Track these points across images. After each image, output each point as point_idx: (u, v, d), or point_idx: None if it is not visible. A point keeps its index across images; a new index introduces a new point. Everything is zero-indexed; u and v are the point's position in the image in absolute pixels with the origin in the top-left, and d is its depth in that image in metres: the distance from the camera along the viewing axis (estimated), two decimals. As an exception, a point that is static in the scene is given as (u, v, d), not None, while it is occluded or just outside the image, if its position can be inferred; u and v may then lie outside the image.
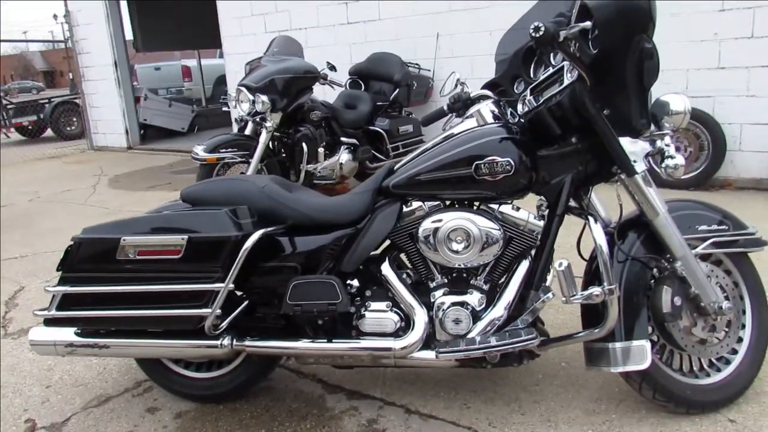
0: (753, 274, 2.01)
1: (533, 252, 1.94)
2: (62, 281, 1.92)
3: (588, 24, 1.59)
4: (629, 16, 1.58)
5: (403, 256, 2.04)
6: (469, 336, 1.88)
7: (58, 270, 1.94)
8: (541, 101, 1.87)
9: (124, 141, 9.35)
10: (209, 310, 1.83)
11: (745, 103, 4.51)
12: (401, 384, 2.23)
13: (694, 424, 1.89)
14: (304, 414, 2.11)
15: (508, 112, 2.03)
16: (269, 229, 1.90)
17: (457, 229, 1.86)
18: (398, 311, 1.96)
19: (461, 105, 2.14)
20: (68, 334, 2.02)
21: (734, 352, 1.98)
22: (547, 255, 1.90)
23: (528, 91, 2.00)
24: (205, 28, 8.14)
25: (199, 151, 4.35)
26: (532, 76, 2.05)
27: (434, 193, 1.93)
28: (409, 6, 5.94)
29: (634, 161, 1.79)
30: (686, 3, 4.57)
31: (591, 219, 1.83)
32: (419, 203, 1.96)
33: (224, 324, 1.92)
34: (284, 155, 4.77)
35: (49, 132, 12.13)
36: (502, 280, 1.95)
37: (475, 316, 1.90)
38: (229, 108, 6.10)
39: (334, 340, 1.95)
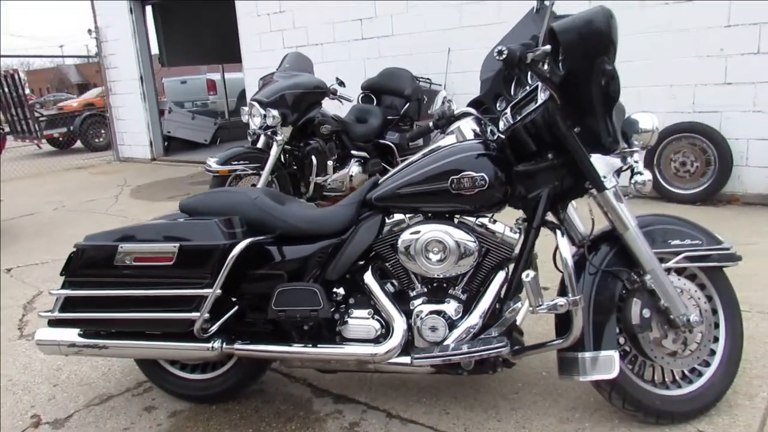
0: (727, 288, 2.05)
1: (512, 263, 2.02)
2: (65, 285, 2.06)
3: (548, 48, 1.68)
4: (590, 39, 1.67)
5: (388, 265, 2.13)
6: (445, 343, 1.96)
7: (61, 275, 2.08)
8: (518, 119, 1.96)
9: (148, 152, 9.63)
10: (198, 314, 1.95)
11: (752, 118, 4.52)
12: (386, 389, 2.32)
13: (663, 434, 1.94)
14: (291, 416, 2.21)
15: (489, 130, 2.11)
16: (256, 238, 2.01)
17: (434, 241, 1.95)
18: (379, 319, 2.05)
19: (445, 122, 2.23)
20: (72, 335, 2.15)
21: (707, 364, 2.02)
22: (522, 266, 1.98)
23: (508, 109, 2.09)
24: (227, 43, 8.38)
25: (212, 163, 4.51)
26: (512, 94, 2.14)
27: (414, 206, 2.03)
28: (421, 22, 6.07)
29: (604, 177, 1.87)
30: (693, 19, 4.60)
31: (558, 233, 1.90)
32: (401, 215, 2.06)
33: (214, 328, 2.03)
34: (295, 168, 4.90)
35: (78, 143, 12.54)
36: (480, 290, 2.03)
37: (452, 325, 1.98)
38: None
39: (317, 345, 2.05)
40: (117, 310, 2.03)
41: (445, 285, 2.05)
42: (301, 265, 2.09)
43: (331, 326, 2.09)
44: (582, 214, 2.05)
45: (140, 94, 9.38)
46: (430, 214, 2.05)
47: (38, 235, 5.37)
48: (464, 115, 2.22)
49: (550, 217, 2.06)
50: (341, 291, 2.12)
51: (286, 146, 4.75)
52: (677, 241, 1.99)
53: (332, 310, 2.08)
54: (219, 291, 1.95)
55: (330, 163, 4.83)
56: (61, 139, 12.52)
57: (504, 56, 1.70)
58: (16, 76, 10.90)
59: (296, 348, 2.05)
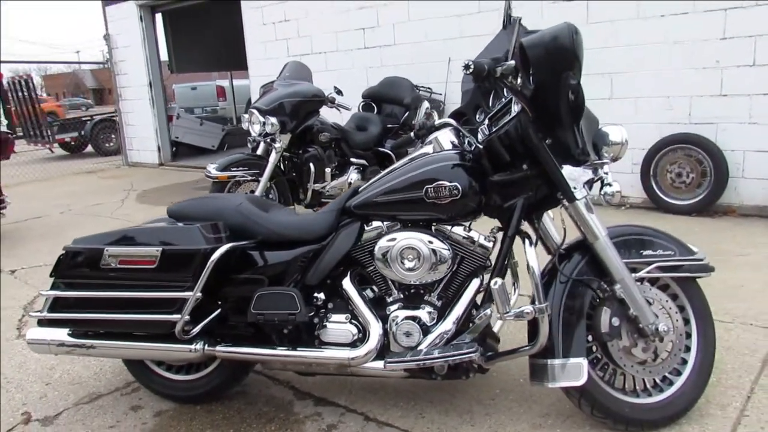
0: (700, 298, 2.08)
1: (491, 270, 2.07)
2: (54, 286, 2.14)
3: (512, 62, 1.74)
4: (555, 54, 1.72)
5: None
6: (419, 348, 2.01)
7: (51, 276, 2.15)
8: (493, 130, 2.01)
9: (156, 158, 9.77)
10: (179, 317, 2.02)
11: (748, 130, 4.53)
12: (365, 393, 2.37)
13: (632, 441, 1.97)
14: (272, 417, 2.27)
15: (466, 141, 2.16)
16: (236, 243, 2.08)
17: (408, 248, 2.00)
18: (357, 323, 2.11)
19: (425, 132, 2.29)
20: (61, 334, 2.22)
21: (678, 373, 2.05)
22: (496, 274, 2.03)
23: (487, 120, 2.14)
24: (235, 50, 8.50)
25: (212, 169, 4.60)
26: (489, 106, 2.20)
27: (391, 213, 2.08)
28: (422, 32, 6.14)
29: (574, 188, 1.91)
30: (689, 31, 4.63)
31: (527, 242, 1.95)
32: (379, 223, 2.12)
33: (196, 330, 2.09)
34: (294, 174, 4.97)
35: (90, 148, 12.74)
36: (455, 296, 2.08)
37: (426, 330, 2.03)
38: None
39: (296, 349, 2.11)
40: (103, 311, 2.10)
41: (421, 291, 2.10)
42: (282, 270, 2.15)
43: (311, 330, 2.14)
44: (559, 224, 2.10)
45: (149, 100, 9.53)
46: (408, 223, 2.11)
47: (44, 237, 5.48)
48: (444, 125, 2.29)
49: (526, 226, 2.11)
50: (321, 296, 2.17)
51: (285, 153, 4.83)
52: (649, 252, 2.03)
53: (311, 314, 2.14)
54: (199, 294, 2.01)
55: (328, 170, 4.90)
56: (72, 143, 12.73)
57: (470, 70, 1.76)
58: (30, 82, 11.13)
59: (275, 351, 2.11)
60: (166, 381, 2.38)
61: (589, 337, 2.01)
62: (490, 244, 2.07)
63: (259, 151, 4.84)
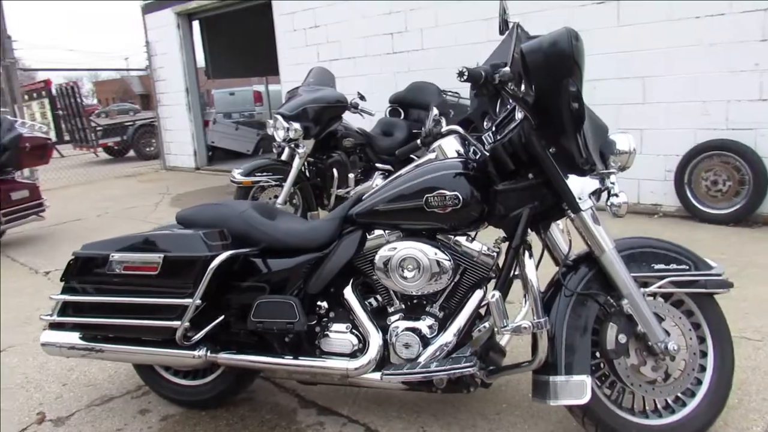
0: (716, 315, 1.98)
1: (494, 282, 2.02)
2: (64, 290, 2.19)
3: (507, 69, 1.69)
4: (554, 60, 1.66)
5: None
6: (419, 360, 1.97)
7: (61, 280, 2.20)
8: (497, 138, 1.96)
9: (192, 162, 9.98)
10: (179, 323, 2.03)
11: (789, 136, 4.32)
12: (369, 404, 2.34)
13: (640, 463, 1.88)
14: (273, 425, 2.26)
15: (471, 149, 2.11)
16: (237, 251, 2.08)
17: (408, 258, 1.96)
18: (357, 334, 2.08)
19: (431, 139, 2.24)
20: (72, 338, 2.27)
21: (692, 394, 1.96)
22: (500, 286, 1.97)
23: (493, 128, 2.09)
24: (269, 56, 8.59)
25: (236, 174, 4.65)
26: (496, 113, 2.14)
27: (391, 222, 2.05)
28: (450, 37, 6.09)
29: (579, 198, 1.84)
30: (726, 33, 4.45)
31: (526, 254, 1.88)
32: (381, 232, 2.09)
33: (197, 336, 2.10)
34: (318, 180, 4.98)
35: (132, 152, 13.12)
36: (457, 308, 2.03)
37: (426, 342, 1.99)
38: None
39: (295, 357, 2.09)
40: (108, 316, 2.13)
41: (423, 302, 2.06)
42: (283, 278, 2.14)
43: (312, 339, 2.13)
44: (567, 235, 2.04)
45: (186, 106, 9.74)
46: (410, 232, 2.07)
47: (80, 240, 5.57)
48: (450, 133, 2.24)
49: (534, 237, 2.06)
50: (324, 304, 2.16)
51: (309, 158, 4.85)
52: (662, 265, 1.94)
53: (313, 323, 2.13)
54: (199, 301, 2.02)
55: (351, 175, 4.89)
56: (115, 147, 13.14)
57: (464, 77, 1.72)
58: (75, 89, 11.53)
59: (274, 359, 2.10)
60: (174, 385, 2.41)
61: (597, 354, 1.94)
62: (494, 255, 2.01)
63: (283, 157, 4.87)
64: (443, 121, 2.38)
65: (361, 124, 5.26)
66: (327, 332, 2.11)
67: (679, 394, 1.95)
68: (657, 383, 1.91)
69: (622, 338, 1.87)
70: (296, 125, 4.55)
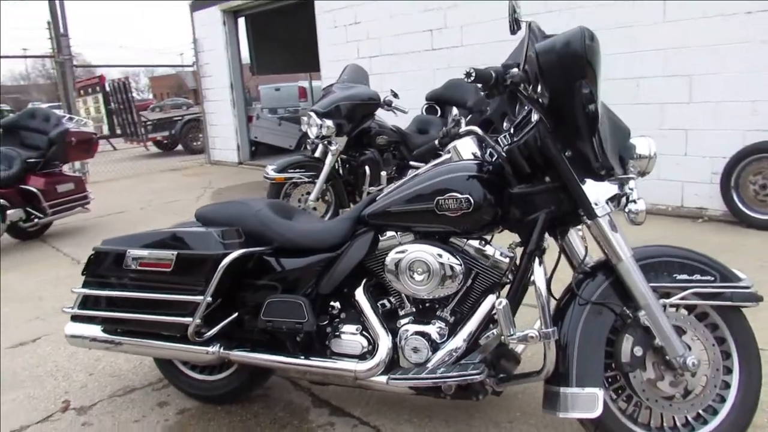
0: (744, 329, 1.87)
1: (509, 287, 1.97)
2: (84, 284, 2.25)
3: (515, 70, 1.64)
4: (567, 62, 1.60)
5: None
6: (428, 365, 1.94)
7: (82, 274, 2.26)
8: (513, 140, 1.91)
9: (235, 156, 10.16)
10: (190, 320, 2.05)
11: None
12: (381, 406, 2.32)
13: (655, 482, 1.80)
14: (285, 423, 2.27)
15: (488, 151, 2.06)
16: (248, 249, 2.09)
17: (417, 261, 1.93)
18: (367, 335, 2.06)
19: (449, 140, 2.20)
20: (94, 330, 2.33)
21: (714, 412, 1.86)
22: (515, 291, 1.92)
23: (512, 129, 2.03)
24: (312, 53, 8.64)
25: (270, 170, 4.70)
26: (515, 114, 2.08)
27: (403, 224, 2.02)
28: (490, 33, 5.98)
29: (596, 204, 1.77)
30: (780, 29, 4.22)
31: (536, 261, 1.82)
32: (393, 233, 2.06)
33: (210, 333, 2.12)
34: (351, 177, 4.99)
35: (180, 146, 13.46)
36: (469, 313, 1.99)
37: (435, 347, 1.96)
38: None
39: (305, 357, 2.09)
40: (124, 310, 2.18)
41: (435, 306, 2.02)
42: (295, 277, 2.14)
43: (323, 339, 2.13)
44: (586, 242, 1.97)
45: (230, 101, 9.92)
46: (422, 234, 2.03)
47: (122, 232, 5.69)
48: (468, 134, 2.19)
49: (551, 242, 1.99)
50: (337, 305, 2.15)
51: (342, 156, 4.85)
52: (684, 276, 1.84)
53: (325, 323, 2.13)
54: (210, 298, 2.04)
55: (384, 173, 4.87)
56: (164, 141, 13.51)
57: (472, 78, 1.67)
58: (126, 84, 11.88)
59: (284, 358, 2.11)
60: (191, 380, 2.45)
61: (613, 366, 1.86)
62: (507, 260, 1.96)
63: (317, 154, 4.89)
64: (462, 122, 2.34)
65: (396, 122, 5.22)
66: (338, 333, 2.10)
67: (700, 411, 1.86)
68: (675, 399, 1.82)
69: (638, 351, 1.79)
70: (329, 122, 4.57)
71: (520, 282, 1.93)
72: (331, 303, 2.15)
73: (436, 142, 2.31)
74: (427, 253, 1.92)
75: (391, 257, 1.98)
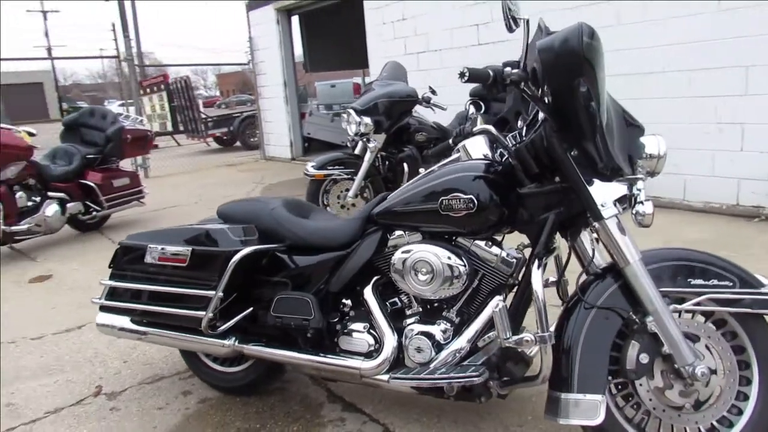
0: (766, 339, 1.77)
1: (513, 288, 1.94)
2: (111, 276, 2.36)
3: (512, 69, 1.61)
4: (564, 59, 1.55)
5: None
6: (431, 365, 1.93)
7: (109, 267, 2.38)
8: (521, 140, 1.88)
9: (288, 152, 10.36)
10: (204, 313, 2.13)
11: None
12: (392, 404, 2.33)
13: (661, 495, 1.73)
14: (298, 417, 2.31)
15: (498, 151, 2.02)
16: (259, 247, 2.14)
17: (422, 261, 1.92)
18: (374, 334, 2.08)
19: (462, 139, 2.18)
20: (123, 320, 2.44)
21: (730, 425, 1.77)
22: (522, 292, 1.89)
23: (524, 128, 2.00)
24: (363, 49, 8.72)
25: (309, 167, 4.79)
26: (528, 113, 2.04)
27: (409, 224, 2.02)
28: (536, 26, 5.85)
29: (602, 205, 1.71)
30: None
31: (536, 262, 1.78)
32: (401, 233, 2.06)
33: (224, 327, 2.19)
34: (390, 174, 5.00)
35: (238, 142, 13.87)
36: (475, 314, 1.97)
37: (439, 347, 1.95)
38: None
39: (313, 354, 2.12)
40: (145, 302, 2.27)
41: (442, 306, 2.01)
42: (305, 275, 2.18)
43: (333, 336, 2.15)
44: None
45: (283, 98, 10.13)
46: (429, 234, 2.02)
47: (173, 224, 6.05)
48: (481, 132, 2.16)
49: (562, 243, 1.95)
50: (349, 303, 2.17)
51: (381, 153, 4.87)
52: (700, 281, 1.75)
53: (335, 320, 2.15)
54: (221, 293, 2.10)
55: (422, 170, 4.84)
56: (224, 138, 13.94)
57: (465, 78, 1.65)
58: (188, 82, 12.33)
59: (293, 353, 2.14)
60: (212, 371, 2.53)
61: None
62: (514, 261, 1.93)
63: (356, 151, 4.92)
64: (479, 120, 2.30)
65: (437, 118, 5.19)
66: (346, 331, 2.12)
67: (714, 423, 1.77)
68: (685, 410, 1.74)
69: (644, 358, 1.72)
70: (367, 119, 4.59)
71: (528, 284, 1.89)
72: (343, 300, 2.18)
73: (450, 141, 2.29)
74: (431, 253, 1.91)
75: (397, 257, 1.98)
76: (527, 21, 1.73)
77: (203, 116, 12.87)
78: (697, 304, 1.74)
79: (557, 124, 1.70)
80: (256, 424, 2.29)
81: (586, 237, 1.93)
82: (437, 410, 2.25)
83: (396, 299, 2.11)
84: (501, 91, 1.80)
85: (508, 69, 1.65)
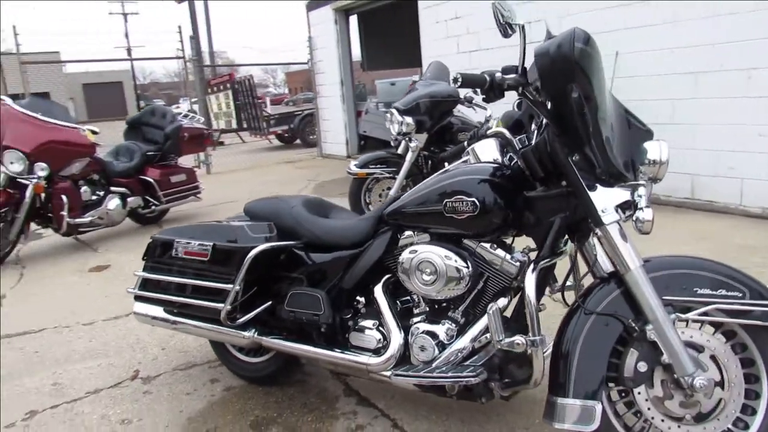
0: (777, 352, 1.71)
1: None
2: (144, 268, 2.52)
3: (500, 74, 1.62)
4: (559, 65, 1.56)
5: None
6: (434, 364, 1.97)
7: (142, 259, 2.54)
8: (526, 144, 1.89)
9: (344, 150, 10.53)
10: (222, 305, 2.24)
11: None
12: (404, 400, 2.37)
13: (658, 507, 1.70)
14: (313, 408, 2.40)
15: (508, 154, 2.03)
16: (273, 243, 2.23)
17: (426, 262, 1.96)
18: (383, 331, 2.13)
19: (476, 141, 2.20)
20: (157, 310, 2.60)
21: (735, 440, 1.71)
22: (523, 296, 1.90)
23: (536, 132, 2.00)
24: (417, 48, 8.76)
25: (352, 166, 4.90)
26: (539, 116, 2.04)
27: (417, 225, 2.06)
28: (589, 24, 5.70)
29: (603, 211, 1.70)
30: None
31: (530, 268, 1.78)
32: (411, 233, 2.11)
33: (243, 319, 2.30)
34: (432, 173, 5.01)
35: (299, 140, 14.21)
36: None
37: (443, 346, 1.98)
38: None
39: (325, 348, 2.20)
40: (171, 293, 2.41)
41: (449, 306, 2.04)
42: (319, 272, 2.26)
43: (345, 332, 2.22)
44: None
45: (340, 97, 10.30)
46: (436, 235, 2.06)
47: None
48: (495, 135, 2.17)
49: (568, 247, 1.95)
50: (362, 300, 2.24)
51: (423, 152, 4.90)
52: (707, 290, 1.71)
53: (348, 317, 2.22)
54: (238, 287, 2.21)
55: (461, 170, 4.85)
56: (285, 135, 14.32)
57: (459, 83, 1.67)
58: (251, 81, 12.73)
59: (305, 347, 2.23)
60: (238, 361, 2.66)
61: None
62: (518, 264, 1.93)
63: (399, 150, 4.98)
64: (494, 123, 2.31)
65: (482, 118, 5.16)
66: (357, 327, 2.19)
67: (718, 437, 1.72)
68: (685, 421, 1.70)
69: (642, 366, 1.70)
70: (408, 119, 4.63)
71: (540, 288, 1.90)
72: (357, 298, 2.24)
73: (465, 143, 2.31)
74: (435, 254, 1.95)
75: (403, 257, 2.02)
76: (523, 26, 1.73)
77: (265, 114, 13.25)
78: (705, 314, 1.70)
79: (558, 129, 1.71)
80: (273, 413, 2.39)
81: (595, 242, 1.91)
82: (446, 409, 2.28)
83: (408, 298, 2.16)
84: (498, 96, 1.80)
85: (499, 75, 1.66)
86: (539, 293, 1.86)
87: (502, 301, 1.93)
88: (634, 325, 1.72)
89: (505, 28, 1.74)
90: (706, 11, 4.78)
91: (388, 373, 2.02)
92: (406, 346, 2.05)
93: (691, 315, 1.71)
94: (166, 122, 5.99)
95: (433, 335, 1.99)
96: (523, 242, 1.99)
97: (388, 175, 4.88)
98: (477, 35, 7.05)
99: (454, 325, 2.00)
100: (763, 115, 4.48)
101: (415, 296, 2.12)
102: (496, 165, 1.95)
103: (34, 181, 4.79)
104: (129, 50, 40.05)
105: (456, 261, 1.92)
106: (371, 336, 2.14)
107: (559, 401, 1.74)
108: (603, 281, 1.81)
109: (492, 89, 1.73)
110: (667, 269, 1.75)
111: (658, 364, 1.70)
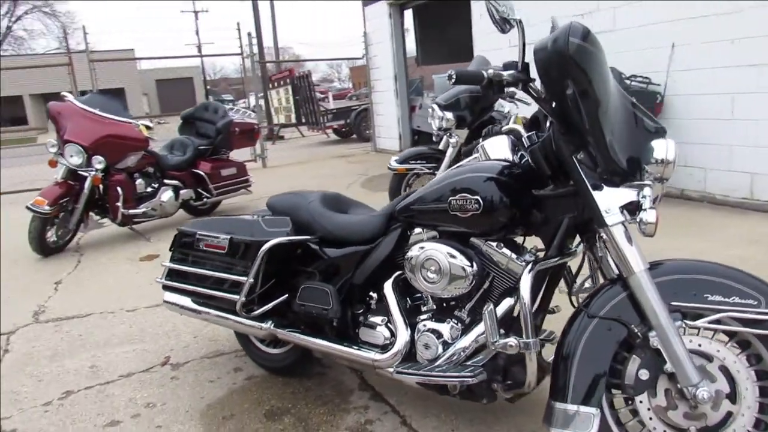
0: (796, 365, 1.60)
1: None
2: (171, 259, 2.63)
3: (501, 70, 1.60)
4: (555, 60, 1.52)
5: None
6: (437, 362, 1.96)
7: (169, 251, 2.64)
8: (534, 141, 1.85)
9: (397, 145, 10.54)
10: (237, 297, 2.31)
11: None
12: (416, 398, 2.37)
13: None
14: (327, 401, 2.44)
15: (519, 152, 1.99)
16: (287, 238, 2.27)
17: (431, 260, 1.95)
18: (391, 327, 2.14)
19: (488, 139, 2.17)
20: (185, 299, 2.70)
21: (746, 455, 1.62)
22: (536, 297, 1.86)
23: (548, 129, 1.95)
24: (470, 42, 8.65)
25: (393, 161, 4.90)
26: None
27: (424, 222, 2.05)
28: (645, 15, 5.48)
29: (606, 211, 1.64)
30: None
31: (527, 269, 1.73)
32: (420, 230, 2.10)
33: (259, 311, 2.35)
34: (473, 169, 4.96)
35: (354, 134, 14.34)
36: None
37: (447, 345, 1.97)
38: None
39: (335, 342, 2.23)
40: (193, 283, 2.50)
41: (456, 305, 2.02)
42: (332, 267, 2.29)
43: (355, 327, 2.24)
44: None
45: (394, 92, 10.31)
46: (444, 233, 2.04)
47: None
48: (509, 132, 2.13)
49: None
50: (374, 296, 2.25)
51: (464, 147, 4.85)
52: (718, 297, 1.62)
53: (359, 312, 2.24)
54: (252, 279, 2.27)
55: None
56: (342, 130, 14.49)
57: (453, 80, 1.65)
58: (309, 77, 12.94)
59: (316, 340, 2.26)
60: (259, 351, 2.73)
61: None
62: (523, 264, 1.89)
63: (440, 146, 4.95)
64: (511, 119, 2.27)
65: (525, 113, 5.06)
66: (367, 322, 2.20)
67: (726, 452, 1.63)
68: (689, 433, 1.62)
69: (644, 374, 1.63)
70: (449, 115, 4.61)
71: (553, 288, 1.87)
72: (369, 293, 2.25)
73: (481, 139, 2.28)
74: (440, 252, 1.93)
75: (410, 254, 2.02)
76: (520, 21, 1.69)
77: (322, 109, 13.44)
78: (717, 321, 1.62)
79: (562, 127, 1.66)
80: (288, 404, 2.45)
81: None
82: (456, 408, 2.27)
83: (419, 295, 2.16)
84: (498, 92, 1.76)
85: (493, 71, 1.63)
86: (535, 294, 1.82)
87: (508, 301, 1.90)
88: (637, 330, 1.66)
89: (502, 24, 1.69)
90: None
91: (391, 370, 2.03)
92: (412, 343, 2.05)
93: (701, 322, 1.63)
94: (218, 117, 6.18)
95: (437, 333, 1.98)
96: (535, 242, 1.95)
97: (428, 170, 4.85)
98: (529, 29, 6.87)
99: (459, 324, 1.98)
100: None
101: (423, 294, 2.12)
102: (504, 163, 1.91)
103: (92, 173, 5.05)
104: (199, 47, 41.49)
105: (459, 259, 1.90)
106: (380, 332, 2.15)
107: (558, 406, 1.70)
108: (608, 284, 1.75)
109: (491, 86, 1.69)
110: (677, 274, 1.68)
111: (661, 373, 1.63)
